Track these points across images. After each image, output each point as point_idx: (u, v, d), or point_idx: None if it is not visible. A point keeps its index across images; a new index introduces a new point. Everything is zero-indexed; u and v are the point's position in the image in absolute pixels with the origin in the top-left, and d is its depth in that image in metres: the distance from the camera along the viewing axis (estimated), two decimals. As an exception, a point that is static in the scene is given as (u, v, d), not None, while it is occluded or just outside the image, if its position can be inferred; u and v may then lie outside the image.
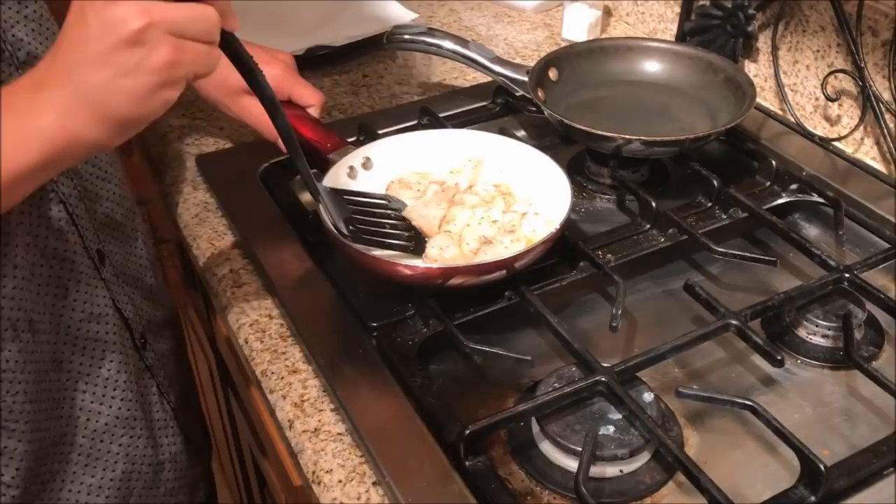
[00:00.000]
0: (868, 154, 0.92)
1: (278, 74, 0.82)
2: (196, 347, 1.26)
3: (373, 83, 1.09)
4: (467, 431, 0.60)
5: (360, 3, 1.20)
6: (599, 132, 0.84)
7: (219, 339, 0.98)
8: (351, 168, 0.79)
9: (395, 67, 1.13)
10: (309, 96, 0.85)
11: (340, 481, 0.61)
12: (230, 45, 0.60)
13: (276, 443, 0.78)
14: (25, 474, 0.69)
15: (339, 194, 0.73)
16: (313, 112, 0.85)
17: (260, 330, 0.73)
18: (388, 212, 0.74)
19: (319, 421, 0.65)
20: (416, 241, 0.73)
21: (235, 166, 0.91)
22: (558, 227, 0.72)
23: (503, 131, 0.94)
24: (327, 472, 0.62)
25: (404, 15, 1.16)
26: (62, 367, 0.71)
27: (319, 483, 0.61)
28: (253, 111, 0.73)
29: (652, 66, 0.98)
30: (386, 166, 0.81)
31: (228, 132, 0.98)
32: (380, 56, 1.15)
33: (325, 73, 1.10)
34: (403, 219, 0.74)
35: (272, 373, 0.70)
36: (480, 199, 0.76)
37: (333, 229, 0.71)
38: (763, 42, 1.01)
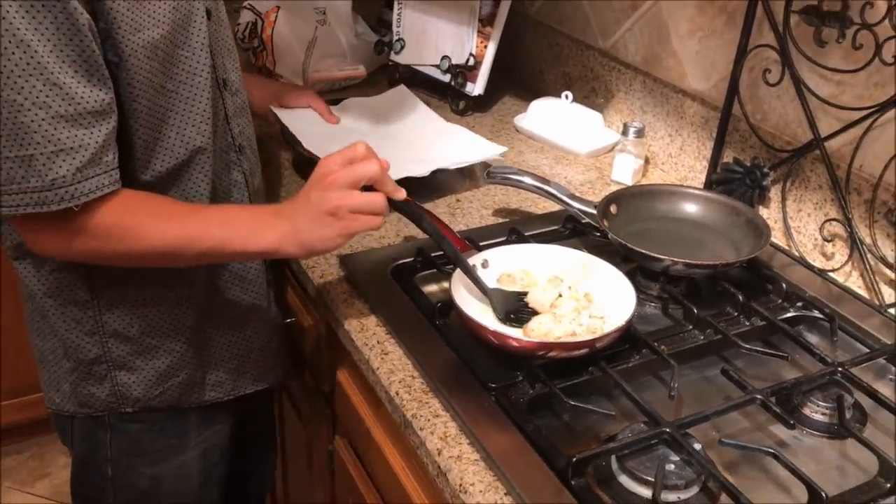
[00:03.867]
0: (855, 283, 1.20)
1: None
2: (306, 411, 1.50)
3: (465, 206, 1.38)
4: (574, 458, 0.85)
5: (463, 139, 1.52)
6: (654, 254, 1.12)
7: (339, 396, 1.22)
8: (474, 266, 1.07)
9: (479, 195, 1.43)
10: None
11: (481, 491, 0.85)
12: (401, 208, 1.03)
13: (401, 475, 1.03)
14: (201, 328, 1.14)
15: (504, 293, 1.06)
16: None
17: (406, 386, 0.99)
18: (525, 300, 1.05)
19: (460, 451, 0.90)
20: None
21: (371, 264, 1.18)
22: (626, 320, 0.99)
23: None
24: (471, 484, 0.86)
25: (495, 148, 1.48)
26: (226, 267, 1.13)
27: (466, 492, 0.86)
28: None
29: (690, 208, 1.27)
30: (499, 267, 1.10)
31: (362, 236, 1.26)
32: (467, 185, 1.45)
33: (426, 198, 1.39)
34: (527, 304, 1.04)
35: (420, 415, 0.95)
36: (576, 296, 1.04)
37: (496, 315, 1.05)
38: (774, 193, 1.31)
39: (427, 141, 1.51)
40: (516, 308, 1.04)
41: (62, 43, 0.85)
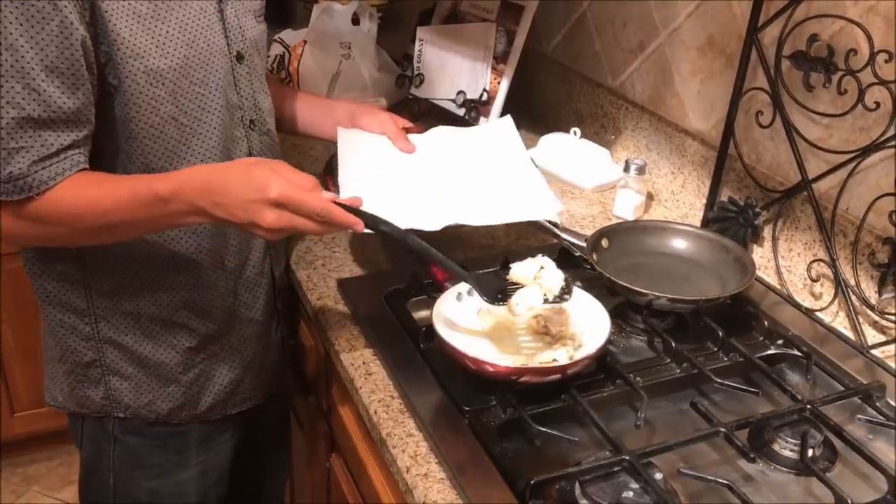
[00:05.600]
0: (841, 324, 1.21)
1: None
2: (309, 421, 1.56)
3: (466, 237, 1.43)
4: (532, 481, 0.88)
5: (522, 195, 1.28)
6: (637, 289, 1.15)
7: (334, 414, 1.27)
8: (459, 293, 1.12)
9: (481, 226, 1.47)
10: None
11: (443, 508, 0.89)
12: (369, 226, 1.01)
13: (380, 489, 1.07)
14: (201, 348, 1.19)
15: (487, 275, 1.09)
16: None
17: (385, 405, 1.04)
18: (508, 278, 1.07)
19: (428, 469, 0.94)
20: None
21: (367, 289, 1.24)
22: (598, 349, 1.02)
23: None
24: (434, 502, 0.90)
25: (544, 212, 1.27)
26: (237, 295, 1.20)
27: (428, 508, 0.90)
28: None
29: (679, 244, 1.30)
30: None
31: (360, 262, 1.32)
32: (471, 215, 1.49)
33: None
34: (511, 281, 1.06)
35: (395, 434, 0.99)
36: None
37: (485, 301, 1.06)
38: (767, 232, 1.33)
39: (485, 188, 1.28)
40: (501, 286, 1.06)
41: (53, 54, 0.92)
